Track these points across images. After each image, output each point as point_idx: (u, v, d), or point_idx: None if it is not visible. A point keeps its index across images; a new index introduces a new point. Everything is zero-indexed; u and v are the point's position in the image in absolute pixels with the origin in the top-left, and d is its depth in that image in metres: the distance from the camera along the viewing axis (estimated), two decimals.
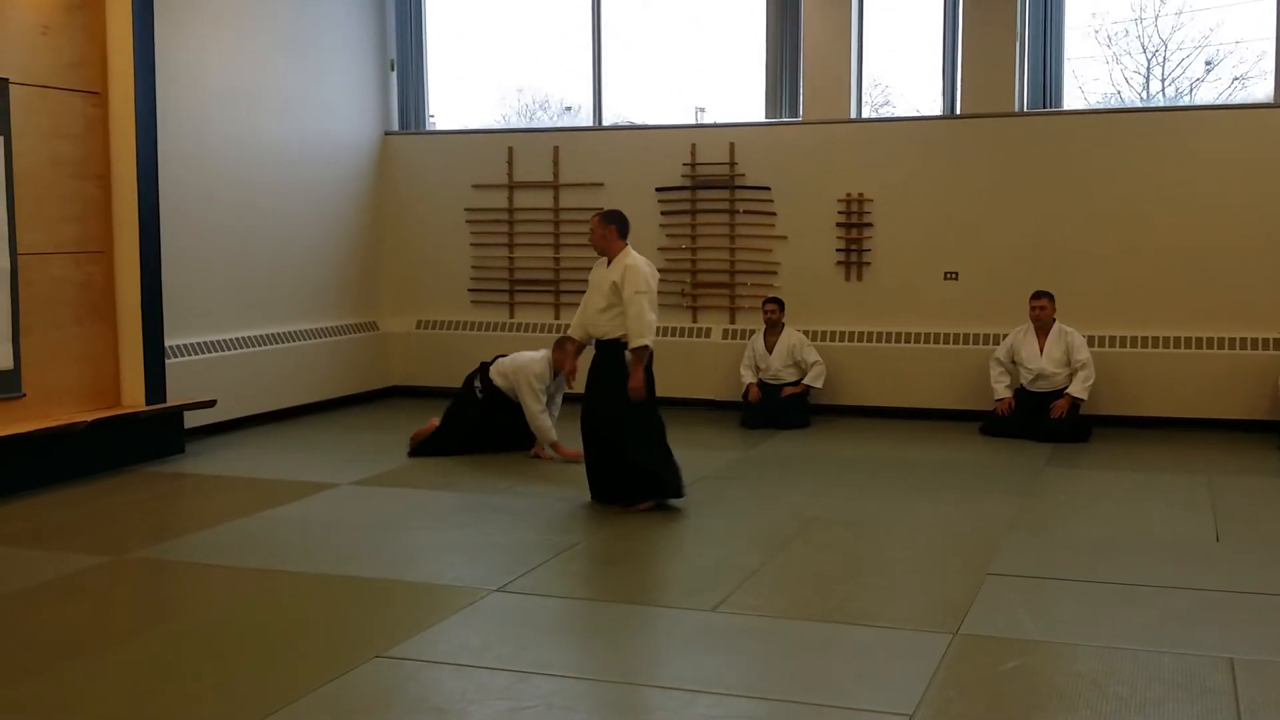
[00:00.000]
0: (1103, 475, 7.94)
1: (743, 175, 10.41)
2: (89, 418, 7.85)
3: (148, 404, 8.38)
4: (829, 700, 4.19)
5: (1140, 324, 9.52)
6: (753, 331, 10.08)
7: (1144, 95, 10.64)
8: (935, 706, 4.13)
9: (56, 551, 6.17)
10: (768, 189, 10.35)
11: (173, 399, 8.61)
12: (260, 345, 9.82)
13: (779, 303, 9.88)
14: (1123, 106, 10.29)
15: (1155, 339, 9.49)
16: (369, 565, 5.87)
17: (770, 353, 9.85)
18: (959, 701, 4.21)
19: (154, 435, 8.40)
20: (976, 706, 4.19)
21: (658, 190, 10.50)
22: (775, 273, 10.35)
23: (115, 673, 4.57)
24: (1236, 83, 10.28)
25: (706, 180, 10.50)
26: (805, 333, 10.00)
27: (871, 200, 10.11)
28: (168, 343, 8.67)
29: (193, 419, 8.88)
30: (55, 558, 6.04)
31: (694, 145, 10.52)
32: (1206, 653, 4.58)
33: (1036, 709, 4.21)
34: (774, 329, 9.89)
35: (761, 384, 9.82)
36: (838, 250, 10.20)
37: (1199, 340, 9.40)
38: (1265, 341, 9.23)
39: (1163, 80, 10.77)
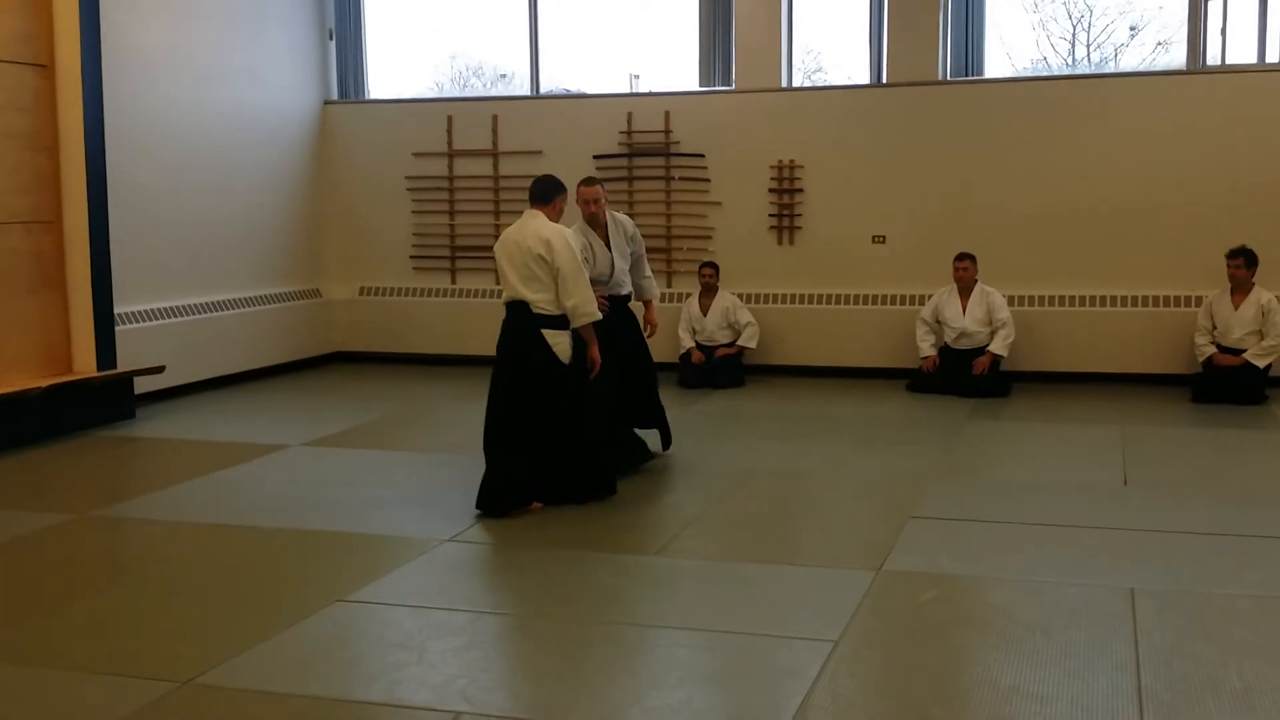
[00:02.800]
0: (1021, 427, 8.37)
1: (678, 143, 10.70)
2: (44, 384, 8.00)
3: (99, 370, 8.54)
4: (763, 630, 4.55)
5: (1059, 284, 9.96)
6: (688, 295, 10.39)
7: (1070, 61, 11.02)
8: (859, 634, 4.49)
9: (19, 511, 6.37)
10: (702, 156, 10.65)
11: (122, 365, 8.77)
12: (206, 313, 10.00)
13: (715, 267, 10.21)
14: (1039, 74, 10.69)
15: (1073, 298, 9.94)
16: (324, 519, 6.13)
17: (705, 315, 10.18)
18: (880, 629, 4.58)
19: (105, 401, 8.57)
20: (896, 633, 4.56)
21: (595, 158, 10.75)
22: (710, 237, 10.67)
23: (86, 621, 4.82)
24: (1160, 47, 10.68)
25: (643, 148, 10.78)
26: (739, 295, 10.34)
27: (802, 167, 10.45)
28: (116, 310, 8.82)
29: (141, 385, 9.03)
30: (18, 516, 6.25)
31: (630, 113, 10.79)
32: (1109, 583, 4.98)
33: (951, 634, 4.59)
34: (709, 292, 10.22)
35: (698, 345, 10.16)
36: (770, 215, 10.54)
37: (1115, 298, 9.86)
38: (1179, 299, 9.71)
39: (1088, 46, 11.15)
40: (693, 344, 10.15)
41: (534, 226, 6.15)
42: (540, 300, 6.09)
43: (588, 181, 6.97)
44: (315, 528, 6.00)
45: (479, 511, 6.08)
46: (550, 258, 6.04)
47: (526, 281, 6.10)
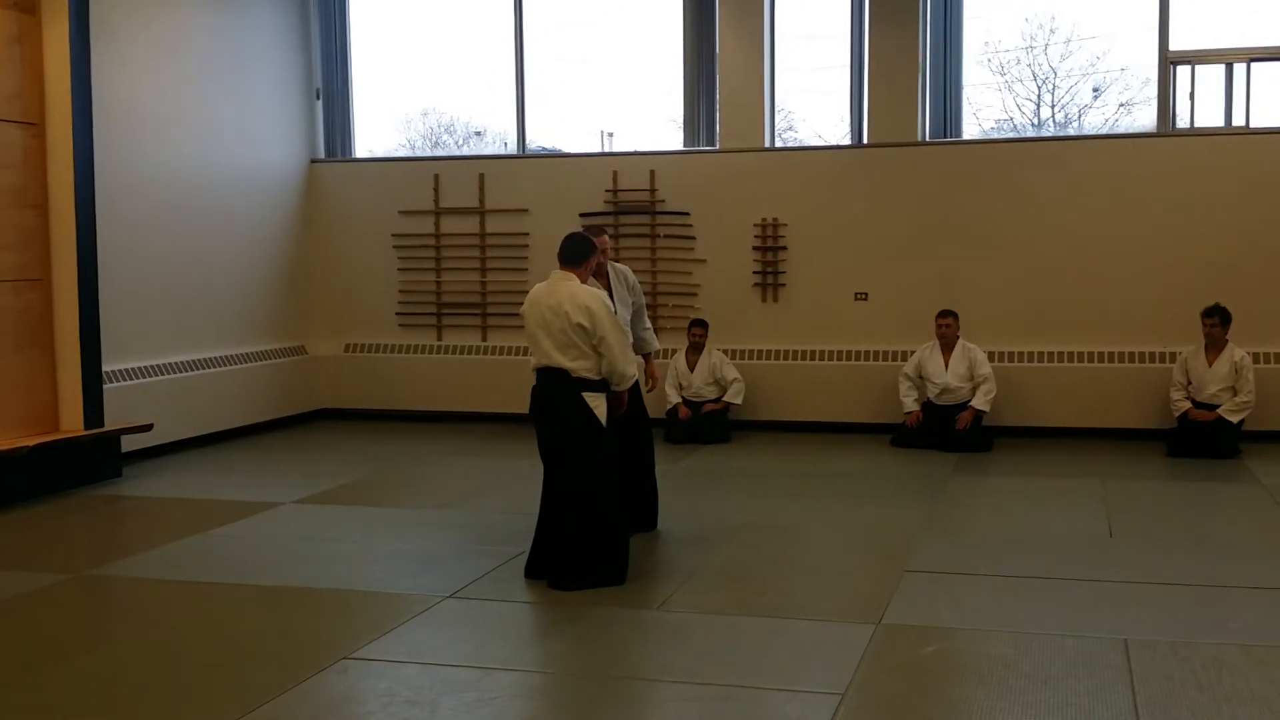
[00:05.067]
0: (1005, 481, 8.50)
1: (663, 201, 10.87)
2: (31, 443, 8.00)
3: (86, 428, 8.53)
4: (770, 684, 4.61)
5: (1038, 340, 10.14)
6: (674, 351, 10.49)
7: (1035, 121, 11.30)
8: (863, 687, 4.57)
9: (12, 571, 6.36)
10: (687, 214, 10.81)
11: (109, 424, 8.76)
12: (193, 370, 10.02)
13: (704, 326, 10.31)
14: (1018, 136, 10.94)
15: (1052, 354, 10.11)
16: (322, 577, 6.15)
17: (692, 371, 10.28)
18: (885, 682, 4.65)
19: (93, 459, 8.55)
20: (901, 686, 4.63)
21: (581, 215, 10.86)
22: (695, 294, 10.81)
23: (89, 681, 4.81)
24: (1122, 109, 10.98)
25: (628, 206, 10.94)
26: (725, 351, 10.46)
27: (786, 225, 10.62)
28: (103, 368, 8.81)
29: (127, 443, 9.02)
30: (12, 576, 6.23)
31: (615, 172, 10.95)
32: (1103, 634, 5.08)
33: (954, 686, 4.67)
34: (696, 349, 10.32)
35: (684, 401, 10.25)
36: (754, 272, 10.69)
37: (1093, 354, 10.04)
38: (1154, 355, 9.90)
39: (1053, 106, 11.43)
40: (679, 399, 10.24)
41: (569, 292, 5.89)
42: (579, 368, 5.87)
43: (594, 231, 6.69)
44: (315, 585, 6.01)
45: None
46: (592, 327, 5.81)
47: (564, 349, 5.86)
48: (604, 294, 6.20)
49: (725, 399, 10.25)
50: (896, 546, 6.60)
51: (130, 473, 8.88)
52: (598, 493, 5.94)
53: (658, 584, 5.93)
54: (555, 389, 5.93)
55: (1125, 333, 9.98)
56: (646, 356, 7.26)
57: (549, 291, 5.97)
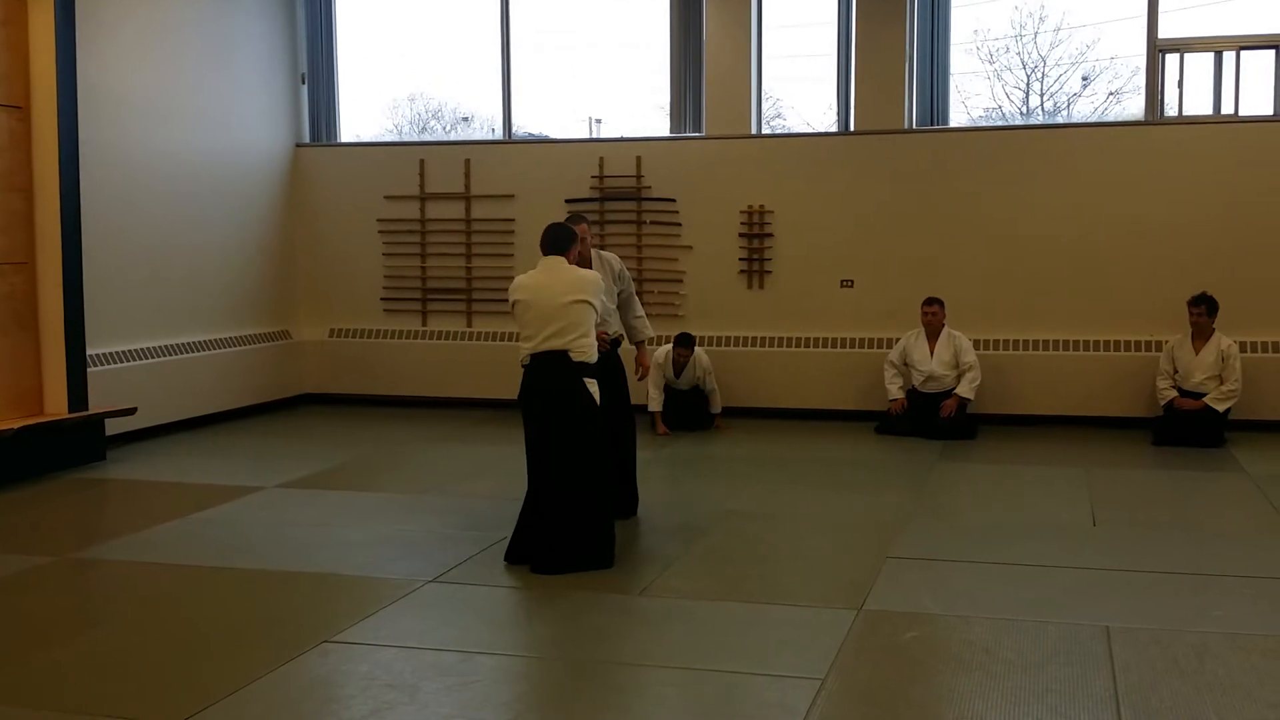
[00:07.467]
0: (990, 469, 8.51)
1: (649, 187, 10.84)
2: (15, 425, 7.97)
3: (70, 411, 8.50)
4: (750, 669, 4.61)
5: (1023, 328, 10.15)
6: (665, 338, 10.36)
7: (1024, 110, 11.30)
8: (844, 671, 4.57)
9: None
10: (673, 200, 10.79)
11: (94, 407, 8.73)
12: (177, 354, 9.99)
13: (690, 345, 9.97)
14: (1004, 124, 10.93)
15: (1037, 342, 10.12)
16: (304, 561, 6.14)
17: (678, 377, 10.05)
18: (865, 667, 4.66)
19: (76, 442, 8.53)
20: (881, 670, 4.64)
21: (567, 202, 10.84)
22: (681, 281, 10.79)
23: (72, 664, 4.79)
24: (1112, 98, 10.99)
25: (614, 192, 10.91)
26: (710, 339, 10.42)
27: (772, 212, 10.61)
28: (87, 351, 8.78)
29: (111, 426, 8.99)
30: None
31: (602, 158, 10.92)
32: (1085, 622, 5.09)
33: (934, 672, 4.67)
34: (683, 358, 10.06)
35: (667, 388, 10.13)
36: (740, 259, 10.68)
37: (1078, 343, 10.06)
38: (1140, 343, 9.91)
39: (1041, 95, 11.44)
40: (659, 410, 9.90)
41: (571, 277, 6.02)
42: (577, 348, 5.94)
43: (574, 219, 6.73)
44: (297, 569, 6.00)
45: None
46: (595, 304, 6.02)
47: (563, 333, 5.92)
48: (599, 275, 6.25)
49: (708, 398, 10.13)
50: (881, 533, 6.60)
51: (114, 456, 8.85)
52: (591, 477, 5.97)
53: (640, 569, 5.93)
54: (556, 374, 5.93)
55: (1112, 321, 9.99)
56: (639, 345, 7.22)
57: (547, 279, 6.01)
